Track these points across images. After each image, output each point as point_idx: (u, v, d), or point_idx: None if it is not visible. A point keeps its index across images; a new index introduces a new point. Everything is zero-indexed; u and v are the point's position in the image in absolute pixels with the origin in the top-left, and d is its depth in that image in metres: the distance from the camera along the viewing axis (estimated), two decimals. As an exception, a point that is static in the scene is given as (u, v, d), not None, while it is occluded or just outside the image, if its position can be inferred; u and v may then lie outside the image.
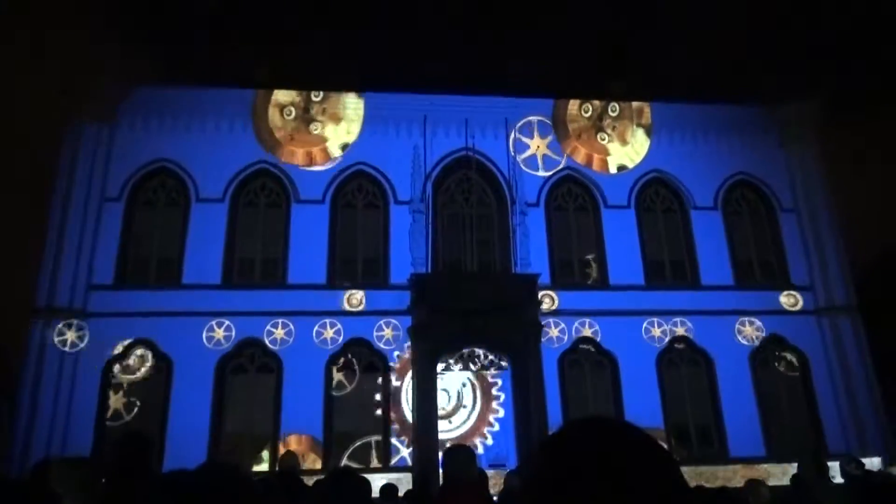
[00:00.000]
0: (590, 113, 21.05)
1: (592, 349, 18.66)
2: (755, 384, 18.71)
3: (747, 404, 18.39)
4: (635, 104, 21.21)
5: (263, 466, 16.65)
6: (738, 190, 20.99)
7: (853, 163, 23.37)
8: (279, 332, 17.70)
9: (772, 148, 21.22)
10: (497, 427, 17.87)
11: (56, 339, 16.92)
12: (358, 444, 17.35)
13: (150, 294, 17.81)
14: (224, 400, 17.31)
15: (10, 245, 18.95)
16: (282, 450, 15.56)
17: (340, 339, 17.84)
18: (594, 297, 19.12)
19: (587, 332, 18.59)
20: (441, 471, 5.72)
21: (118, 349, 17.24)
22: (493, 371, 18.27)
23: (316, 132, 19.85)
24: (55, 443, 15.87)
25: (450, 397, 18.16)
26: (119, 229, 18.33)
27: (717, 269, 19.75)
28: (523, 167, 20.09)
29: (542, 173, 20.19)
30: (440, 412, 17.68)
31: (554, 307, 18.66)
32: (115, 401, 17.08)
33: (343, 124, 20.02)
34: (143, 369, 17.38)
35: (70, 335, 17.04)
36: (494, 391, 18.22)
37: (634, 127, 20.99)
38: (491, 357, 18.25)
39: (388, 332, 17.98)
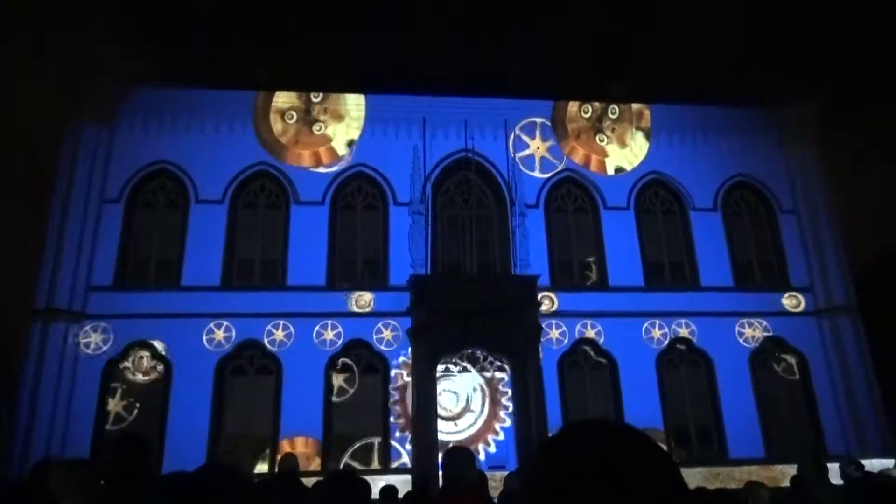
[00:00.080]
0: (589, 114, 21.06)
1: (592, 351, 18.66)
2: (755, 385, 18.71)
3: (747, 405, 18.39)
4: (635, 107, 21.22)
5: (263, 468, 16.62)
6: (738, 191, 20.99)
7: (853, 164, 23.39)
8: (279, 334, 17.70)
9: (771, 149, 21.23)
10: (501, 436, 17.77)
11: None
12: (358, 445, 17.33)
13: (149, 295, 17.81)
14: (224, 401, 17.30)
15: (10, 246, 18.96)
16: (281, 451, 15.57)
17: (340, 340, 17.84)
18: (594, 298, 19.11)
19: (589, 334, 18.59)
20: (441, 472, 5.71)
21: (117, 350, 17.23)
22: (498, 375, 18.21)
23: (319, 132, 19.88)
24: (54, 444, 15.86)
25: (458, 399, 18.10)
26: (119, 230, 18.33)
27: (716, 270, 19.75)
28: (523, 168, 20.10)
29: (539, 174, 20.19)
30: (447, 413, 17.68)
31: (553, 309, 18.66)
32: (115, 402, 17.06)
33: (346, 121, 20.07)
34: (142, 370, 17.37)
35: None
36: (504, 400, 18.08)
37: (634, 130, 21.00)
38: (490, 358, 18.23)
39: (387, 334, 17.98)
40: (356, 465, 16.96)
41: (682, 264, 20.02)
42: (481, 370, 18.18)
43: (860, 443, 17.79)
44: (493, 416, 17.97)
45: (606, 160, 20.65)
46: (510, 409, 17.88)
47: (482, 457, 16.99)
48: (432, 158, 19.73)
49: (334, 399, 17.58)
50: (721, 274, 19.76)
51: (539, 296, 18.33)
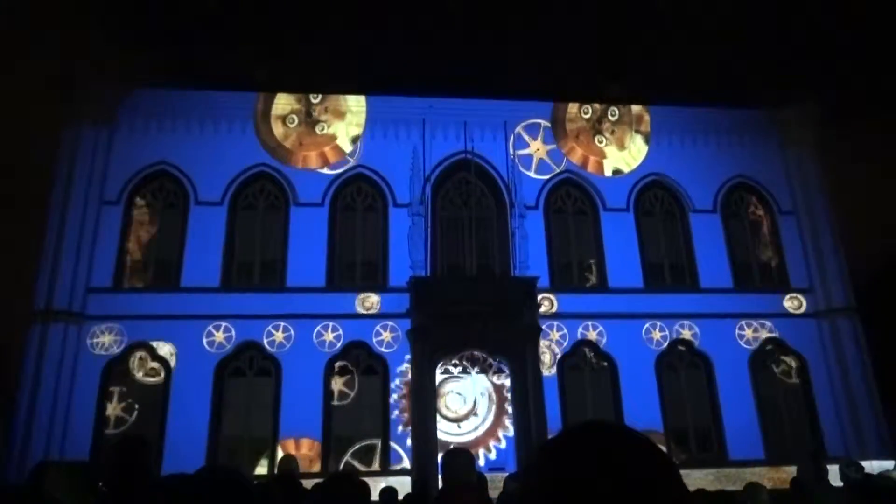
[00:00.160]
0: (589, 115, 21.09)
1: (591, 352, 18.66)
2: (754, 387, 18.71)
3: (746, 407, 18.39)
4: (635, 111, 21.23)
5: (262, 470, 16.61)
6: (737, 193, 21.01)
7: (852, 165, 23.37)
8: (278, 335, 17.70)
9: (771, 151, 21.25)
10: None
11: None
12: (357, 447, 17.32)
13: (148, 297, 17.81)
14: (223, 403, 17.29)
15: (9, 246, 18.92)
16: (281, 453, 15.56)
17: (340, 342, 17.83)
18: (593, 300, 19.12)
19: (590, 336, 18.60)
20: (440, 474, 5.71)
21: (117, 352, 17.22)
22: (508, 383, 18.14)
23: (323, 133, 19.91)
24: (53, 445, 15.85)
25: (464, 402, 18.06)
26: (118, 231, 18.32)
27: (716, 271, 19.75)
28: (522, 170, 20.10)
29: (539, 176, 20.19)
30: (451, 414, 17.68)
31: (553, 310, 18.66)
32: (114, 404, 17.04)
33: (348, 118, 20.13)
34: (141, 372, 17.36)
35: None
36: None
37: (633, 133, 21.02)
38: (490, 360, 18.23)
39: (386, 336, 17.98)
40: (357, 464, 16.94)
41: (681, 266, 20.02)
42: (486, 373, 18.12)
43: (860, 444, 17.79)
44: (497, 422, 17.91)
45: (604, 161, 20.67)
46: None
47: (482, 462, 16.94)
48: (432, 160, 19.74)
49: (335, 402, 17.57)
50: (720, 275, 19.77)
51: (538, 297, 18.33)
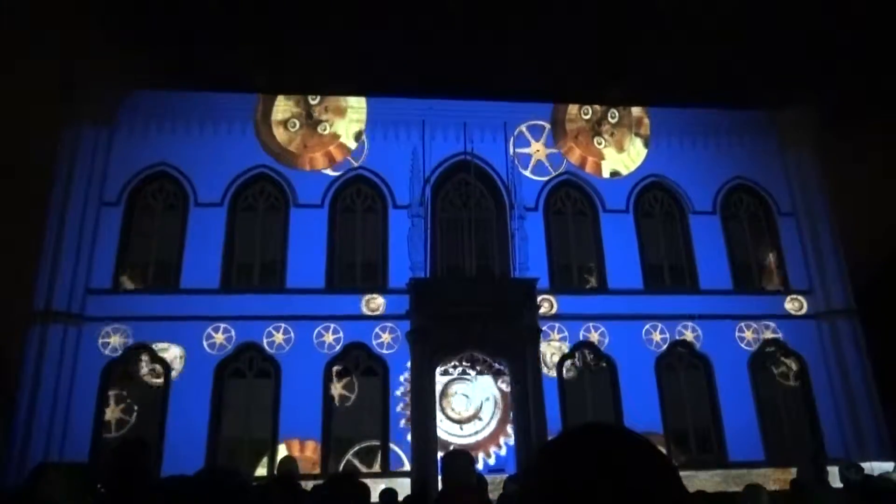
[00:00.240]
0: (589, 115, 21.10)
1: (591, 353, 18.66)
2: (754, 388, 18.70)
3: (746, 409, 18.38)
4: (635, 114, 21.24)
5: (262, 471, 16.59)
6: (737, 194, 21.01)
7: (851, 166, 23.38)
8: (278, 337, 17.69)
9: (770, 152, 21.25)
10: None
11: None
12: (357, 448, 17.31)
13: (148, 298, 17.81)
14: (223, 404, 17.27)
15: (8, 248, 18.92)
16: (280, 454, 15.55)
17: (339, 344, 17.82)
18: (593, 301, 19.11)
19: (590, 337, 18.59)
20: (440, 476, 5.71)
21: (116, 353, 17.21)
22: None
23: (325, 132, 19.93)
24: (53, 447, 15.83)
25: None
26: (118, 233, 18.32)
27: (715, 273, 19.75)
28: (522, 171, 20.10)
29: (539, 177, 20.19)
30: (455, 415, 17.66)
31: (553, 312, 18.66)
32: (113, 405, 17.03)
33: (349, 114, 20.17)
34: (141, 373, 17.35)
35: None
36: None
37: (633, 136, 21.02)
38: (490, 361, 18.22)
39: (386, 337, 17.97)
40: (358, 464, 16.93)
41: (681, 267, 20.02)
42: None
43: (860, 446, 17.77)
44: (499, 429, 17.83)
45: (602, 163, 20.67)
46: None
47: (480, 466, 16.90)
48: (431, 161, 19.75)
49: (336, 404, 17.56)
50: (720, 277, 19.77)
51: (538, 298, 18.33)
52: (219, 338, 17.51)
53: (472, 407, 17.96)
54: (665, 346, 18.79)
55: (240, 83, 20.31)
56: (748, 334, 19.17)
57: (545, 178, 20.22)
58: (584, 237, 20.01)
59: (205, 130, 19.44)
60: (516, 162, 20.11)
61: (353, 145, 19.89)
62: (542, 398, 17.33)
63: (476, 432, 17.78)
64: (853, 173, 23.28)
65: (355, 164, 19.73)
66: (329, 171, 19.60)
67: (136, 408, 17.06)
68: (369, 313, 18.18)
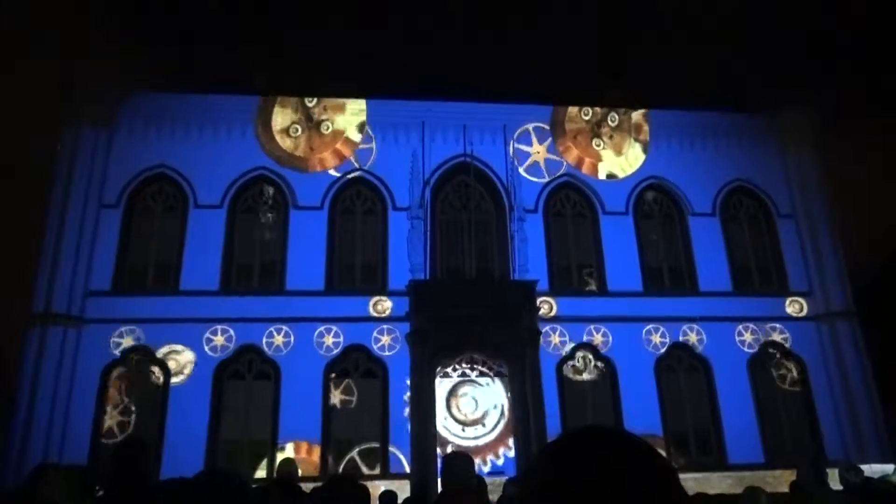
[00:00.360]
0: (589, 117, 21.11)
1: (591, 355, 18.65)
2: (753, 390, 18.70)
3: (746, 411, 18.38)
4: (635, 119, 21.24)
5: (261, 473, 16.58)
6: (736, 196, 21.02)
7: (851, 166, 23.38)
8: (278, 339, 17.68)
9: (770, 154, 21.26)
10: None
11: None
12: (357, 450, 17.29)
13: (147, 300, 17.79)
14: (222, 406, 17.26)
15: (8, 249, 18.91)
16: (280, 456, 15.52)
17: (339, 346, 17.81)
18: (593, 303, 19.12)
19: (595, 339, 18.59)
20: (440, 478, 5.71)
21: (115, 355, 17.19)
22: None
23: (328, 131, 19.94)
24: (52, 449, 15.81)
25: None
26: (117, 234, 18.31)
27: (715, 275, 19.75)
28: (522, 173, 20.11)
29: (539, 179, 20.20)
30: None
31: (552, 313, 18.65)
32: (112, 407, 17.02)
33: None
34: (141, 375, 17.33)
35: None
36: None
37: (632, 140, 21.02)
38: (489, 363, 18.21)
39: (386, 339, 17.96)
40: (361, 465, 16.93)
41: (680, 269, 20.02)
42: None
43: (859, 448, 17.77)
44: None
45: (599, 164, 20.68)
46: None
47: (479, 469, 16.85)
48: (431, 163, 19.76)
49: (337, 406, 17.54)
50: (720, 279, 19.77)
51: (538, 300, 18.33)
52: (218, 339, 17.51)
53: (478, 411, 17.93)
54: (665, 348, 18.79)
55: (240, 83, 20.32)
56: (748, 336, 19.17)
57: (545, 181, 20.23)
58: (584, 239, 20.01)
59: (204, 132, 19.44)
60: (516, 164, 20.12)
61: (357, 138, 19.92)
62: (542, 399, 17.32)
63: (477, 437, 17.74)
64: (853, 174, 23.28)
65: (365, 166, 19.72)
66: (335, 172, 19.60)
67: (134, 409, 17.05)
68: (376, 315, 18.17)
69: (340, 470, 16.79)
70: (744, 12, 23.78)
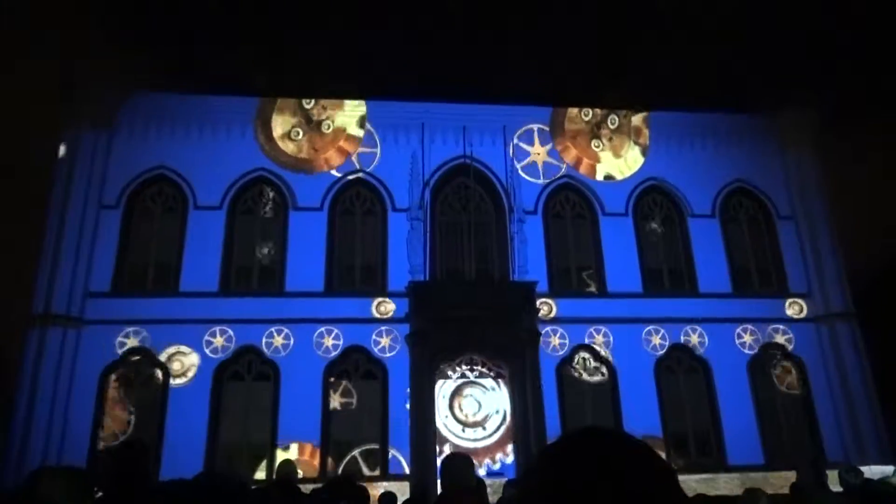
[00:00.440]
0: (589, 117, 21.11)
1: (590, 357, 18.65)
2: (753, 392, 18.70)
3: (745, 412, 18.38)
4: (635, 123, 21.24)
5: (261, 475, 16.57)
6: (736, 197, 21.02)
7: (851, 166, 23.36)
8: (277, 340, 17.68)
9: (769, 155, 21.27)
10: (497, 465, 17.50)
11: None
12: (356, 452, 17.29)
13: (147, 301, 17.79)
14: (221, 408, 17.25)
15: (8, 251, 18.90)
16: (279, 458, 15.53)
17: (339, 347, 17.81)
18: (592, 304, 19.12)
19: (595, 341, 18.59)
20: (439, 479, 5.71)
21: (115, 356, 17.19)
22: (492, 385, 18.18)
23: (329, 129, 19.95)
24: (51, 450, 15.81)
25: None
26: (117, 236, 18.31)
27: (715, 276, 19.76)
28: (522, 174, 20.11)
29: (539, 180, 20.21)
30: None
31: (552, 315, 18.66)
32: (112, 408, 17.01)
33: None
34: (140, 376, 17.33)
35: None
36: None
37: (631, 143, 21.02)
38: (489, 364, 18.21)
39: (385, 340, 17.96)
40: (363, 466, 16.93)
41: (680, 271, 20.02)
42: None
43: (859, 449, 17.77)
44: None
45: (597, 165, 20.68)
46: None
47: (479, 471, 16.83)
48: (431, 164, 19.77)
49: (337, 407, 17.55)
50: (719, 280, 19.77)
51: (537, 302, 18.34)
52: (218, 341, 17.51)
53: (480, 414, 17.92)
54: (664, 350, 18.79)
55: (240, 84, 20.31)
56: (747, 338, 19.17)
57: (544, 182, 20.24)
58: (584, 240, 20.02)
59: (204, 133, 19.44)
60: (516, 165, 20.12)
61: (359, 133, 19.93)
62: (542, 401, 17.33)
63: (476, 439, 17.73)
64: (853, 174, 23.26)
65: (368, 169, 19.71)
66: (336, 173, 19.60)
67: (133, 410, 17.04)
68: (379, 316, 18.17)
69: (340, 470, 16.79)
70: (744, 12, 23.77)
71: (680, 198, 20.55)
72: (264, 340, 17.63)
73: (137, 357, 17.32)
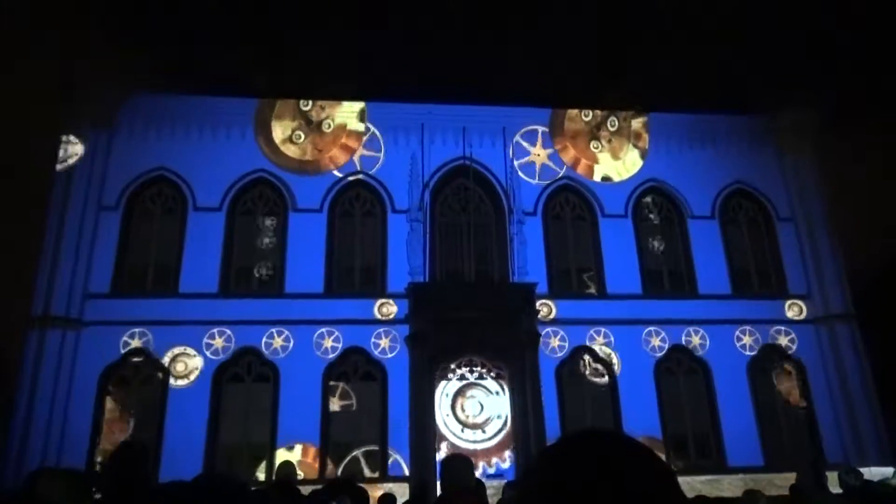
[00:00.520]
0: (589, 118, 21.12)
1: (590, 358, 18.65)
2: (753, 393, 18.69)
3: (745, 414, 18.37)
4: (635, 126, 21.23)
5: (261, 476, 16.56)
6: (735, 199, 21.02)
7: (850, 167, 23.36)
8: (277, 341, 17.67)
9: (769, 157, 21.28)
10: (493, 470, 17.37)
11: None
12: (356, 453, 17.28)
13: (146, 302, 17.78)
14: (221, 409, 17.25)
15: (7, 252, 18.88)
16: (279, 459, 15.52)
17: (338, 348, 17.80)
18: (592, 306, 19.12)
19: (595, 342, 18.58)
20: (439, 480, 5.70)
21: (114, 357, 17.18)
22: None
23: (330, 128, 19.95)
24: (51, 451, 15.80)
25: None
26: (116, 237, 18.31)
27: (714, 278, 19.76)
28: (522, 176, 20.11)
29: (538, 181, 20.21)
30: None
31: (552, 316, 18.65)
32: (111, 409, 17.01)
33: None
34: (140, 377, 17.32)
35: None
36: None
37: (630, 146, 21.02)
38: (489, 366, 18.20)
39: (385, 342, 17.95)
40: (364, 466, 16.93)
41: (680, 272, 20.02)
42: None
43: (859, 451, 17.77)
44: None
45: (595, 166, 20.68)
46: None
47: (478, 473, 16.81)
48: (430, 166, 19.76)
49: (336, 409, 17.54)
50: (719, 282, 19.77)
51: (537, 303, 18.33)
52: (218, 342, 17.50)
53: (481, 416, 17.89)
54: (664, 351, 18.79)
55: (240, 84, 20.30)
56: (747, 339, 19.17)
57: (544, 183, 20.24)
58: (583, 242, 20.01)
59: (204, 135, 19.44)
60: (515, 166, 20.12)
61: (361, 127, 19.92)
62: (541, 402, 17.32)
63: (475, 441, 17.70)
64: (852, 174, 23.26)
65: (370, 171, 19.71)
66: (338, 173, 19.59)
67: (132, 412, 17.04)
68: (381, 318, 18.16)
69: (339, 471, 16.78)
70: (744, 12, 23.78)
71: (680, 199, 20.56)
72: (264, 342, 17.62)
73: (137, 358, 17.30)
